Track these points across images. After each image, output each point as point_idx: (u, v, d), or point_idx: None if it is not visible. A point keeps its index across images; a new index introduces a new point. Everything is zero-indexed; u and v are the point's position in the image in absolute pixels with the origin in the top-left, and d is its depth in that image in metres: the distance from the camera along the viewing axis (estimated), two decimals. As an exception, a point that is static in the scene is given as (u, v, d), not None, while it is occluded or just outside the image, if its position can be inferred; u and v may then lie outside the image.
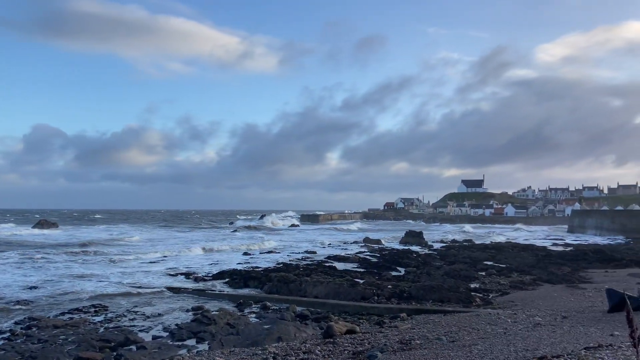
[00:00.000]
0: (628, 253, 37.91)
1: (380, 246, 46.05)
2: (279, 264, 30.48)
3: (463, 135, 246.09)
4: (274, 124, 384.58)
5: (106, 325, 14.87)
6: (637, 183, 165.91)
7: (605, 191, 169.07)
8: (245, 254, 37.27)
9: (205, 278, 24.91)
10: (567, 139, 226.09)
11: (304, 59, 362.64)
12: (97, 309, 17.04)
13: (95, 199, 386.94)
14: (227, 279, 23.98)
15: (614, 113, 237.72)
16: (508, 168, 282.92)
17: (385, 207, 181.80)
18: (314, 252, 39.13)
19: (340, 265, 29.70)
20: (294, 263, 30.90)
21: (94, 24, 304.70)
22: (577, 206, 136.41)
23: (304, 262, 31.49)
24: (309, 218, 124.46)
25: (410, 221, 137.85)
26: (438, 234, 68.21)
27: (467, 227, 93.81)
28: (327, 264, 30.04)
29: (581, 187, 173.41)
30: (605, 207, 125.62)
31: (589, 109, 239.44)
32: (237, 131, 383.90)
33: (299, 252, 39.36)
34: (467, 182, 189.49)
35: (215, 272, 26.24)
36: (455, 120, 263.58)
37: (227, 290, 21.65)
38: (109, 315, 16.31)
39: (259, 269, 27.00)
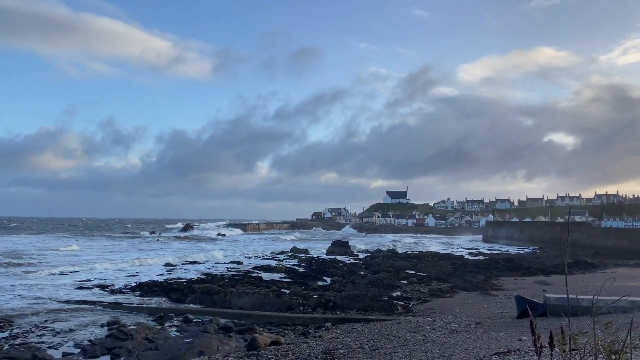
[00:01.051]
0: (535, 262, 40.88)
1: (307, 256, 46.25)
2: (203, 274, 29.65)
3: (390, 148, 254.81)
4: (204, 131, 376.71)
5: (11, 342, 13.69)
6: (543, 196, 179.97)
7: (516, 204, 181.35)
8: (167, 264, 35.88)
9: (123, 290, 23.70)
10: (484, 154, 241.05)
11: (239, 66, 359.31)
12: (1, 324, 15.65)
13: (3, 205, 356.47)
14: (146, 291, 22.96)
15: (526, 131, 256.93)
16: (430, 180, 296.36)
17: (313, 217, 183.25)
18: (240, 263, 38.50)
19: (266, 276, 29.45)
20: (218, 274, 30.21)
21: (9, 19, 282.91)
22: (490, 217, 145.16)
23: (230, 273, 30.88)
24: (235, 227, 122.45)
25: (351, 230, 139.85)
26: (364, 244, 69.69)
27: (392, 236, 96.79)
28: (253, 275, 29.67)
29: (494, 200, 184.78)
30: (515, 219, 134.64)
31: (504, 127, 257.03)
32: (164, 137, 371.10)
33: (225, 263, 38.56)
34: (391, 193, 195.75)
35: (133, 284, 25.04)
36: (383, 133, 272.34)
37: (147, 303, 20.72)
38: (15, 331, 15.04)
39: (182, 281, 26.12)
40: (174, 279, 27.35)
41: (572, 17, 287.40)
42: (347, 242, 53.23)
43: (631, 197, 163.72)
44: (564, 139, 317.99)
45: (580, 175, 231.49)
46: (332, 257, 44.62)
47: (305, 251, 50.24)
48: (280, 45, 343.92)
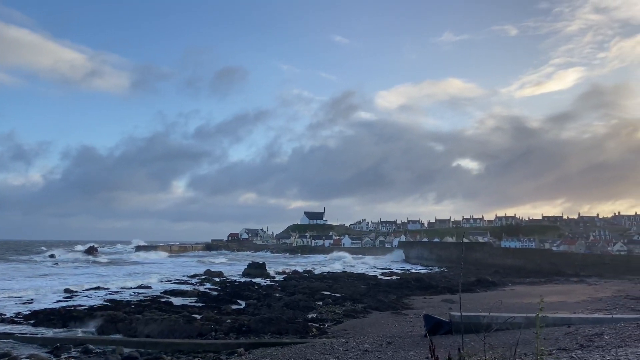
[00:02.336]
0: (442, 281, 42.90)
1: (222, 279, 44.97)
2: (106, 301, 27.73)
3: (311, 169, 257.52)
4: (117, 147, 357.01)
5: None
6: (450, 218, 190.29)
7: (426, 225, 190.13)
8: (67, 290, 33.06)
9: (15, 320, 21.50)
10: (399, 177, 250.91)
11: (160, 83, 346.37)
12: None
13: None
14: (41, 320, 20.96)
15: (437, 156, 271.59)
16: (348, 201, 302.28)
17: (229, 238, 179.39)
18: (149, 287, 36.53)
19: (177, 300, 28.18)
20: (124, 299, 28.43)
21: None
22: (403, 238, 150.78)
23: (137, 298, 29.18)
24: (145, 249, 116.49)
25: (268, 253, 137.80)
26: (281, 265, 69.20)
27: (306, 258, 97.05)
28: (162, 300, 28.27)
29: (407, 221, 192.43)
30: (425, 239, 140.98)
31: (418, 152, 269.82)
32: (70, 153, 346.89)
33: (131, 288, 36.34)
34: (309, 214, 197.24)
35: (27, 312, 22.80)
36: (304, 154, 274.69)
37: (42, 332, 18.93)
38: None
39: (82, 307, 24.24)
40: (73, 306, 25.31)
41: (478, 52, 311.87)
42: (264, 264, 52.56)
43: (527, 219, 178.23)
44: (470, 164, 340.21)
45: (483, 198, 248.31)
46: (248, 279, 43.78)
47: (220, 274, 48.86)
48: (204, 63, 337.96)
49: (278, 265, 66.53)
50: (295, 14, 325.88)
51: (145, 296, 30.46)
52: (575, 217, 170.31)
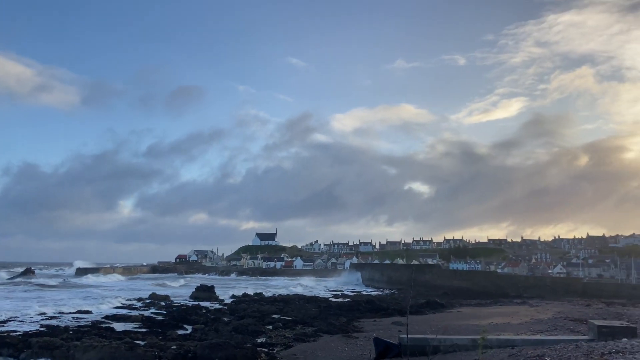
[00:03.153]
0: (393, 303, 43.24)
1: (167, 302, 43.43)
2: (43, 327, 26.13)
3: (264, 190, 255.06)
4: (63, 165, 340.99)
5: None
6: (401, 240, 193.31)
7: (377, 246, 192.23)
8: (-2, 315, 30.95)
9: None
10: (352, 199, 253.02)
11: (112, 99, 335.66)
12: None
13: None
14: (-32, 350, 19.43)
15: (389, 180, 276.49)
16: (301, 222, 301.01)
17: (177, 260, 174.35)
18: (89, 312, 34.76)
19: (119, 326, 26.91)
20: (62, 325, 26.88)
21: None
22: (354, 260, 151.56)
23: (76, 324, 27.66)
24: (87, 272, 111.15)
25: (217, 275, 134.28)
26: (231, 288, 67.75)
27: (257, 280, 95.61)
28: (103, 325, 26.93)
29: (359, 242, 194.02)
30: (376, 261, 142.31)
31: (371, 175, 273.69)
32: (11, 170, 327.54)
33: (70, 312, 34.41)
34: (261, 235, 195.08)
35: (-49, 341, 21.07)
36: (258, 175, 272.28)
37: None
38: None
39: (16, 334, 22.69)
40: (6, 331, 23.65)
41: (429, 79, 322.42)
42: (212, 287, 51.24)
43: (474, 241, 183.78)
44: (421, 188, 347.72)
45: (433, 220, 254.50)
46: (196, 303, 42.47)
47: (166, 297, 47.17)
48: (159, 81, 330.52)
49: (228, 288, 65.08)
50: (252, 36, 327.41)
51: (85, 321, 28.92)
52: (519, 240, 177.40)
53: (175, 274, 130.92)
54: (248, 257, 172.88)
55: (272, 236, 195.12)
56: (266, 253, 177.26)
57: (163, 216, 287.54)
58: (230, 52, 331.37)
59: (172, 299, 46.74)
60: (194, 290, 51.05)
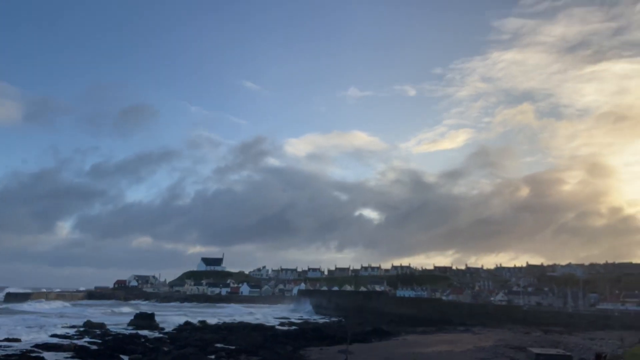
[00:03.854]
0: (339, 330, 42.89)
1: (104, 331, 41.13)
2: (-39, 358, 23.99)
3: (213, 213, 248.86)
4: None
5: None
6: (350, 266, 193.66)
7: (326, 273, 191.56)
8: None
9: None
10: (303, 224, 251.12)
11: (58, 117, 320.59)
12: None
13: None
14: None
15: (341, 205, 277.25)
16: (249, 247, 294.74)
17: (116, 285, 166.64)
18: (18, 340, 32.33)
19: (50, 356, 25.19)
20: (-16, 356, 24.79)
21: None
22: (302, 286, 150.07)
23: (2, 353, 25.61)
24: (17, 297, 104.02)
25: (157, 302, 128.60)
26: (173, 315, 65.19)
27: (201, 307, 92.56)
28: (33, 354, 25.13)
29: (307, 268, 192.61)
30: (325, 288, 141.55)
31: (323, 200, 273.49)
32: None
33: (-5, 341, 31.86)
34: (207, 260, 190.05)
35: None
36: (208, 198, 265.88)
37: None
38: None
39: None
40: None
41: (381, 108, 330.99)
42: (152, 315, 49.07)
43: (421, 269, 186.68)
44: (372, 214, 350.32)
45: (382, 247, 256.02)
46: (134, 331, 40.46)
47: (102, 325, 44.69)
48: (109, 99, 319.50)
49: (169, 316, 62.58)
50: (206, 56, 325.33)
51: (13, 350, 26.83)
52: (464, 267, 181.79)
53: (114, 301, 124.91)
54: (192, 283, 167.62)
55: (218, 261, 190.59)
56: (211, 279, 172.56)
57: (103, 239, 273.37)
58: (184, 72, 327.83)
59: (108, 326, 44.34)
60: (132, 317, 48.69)
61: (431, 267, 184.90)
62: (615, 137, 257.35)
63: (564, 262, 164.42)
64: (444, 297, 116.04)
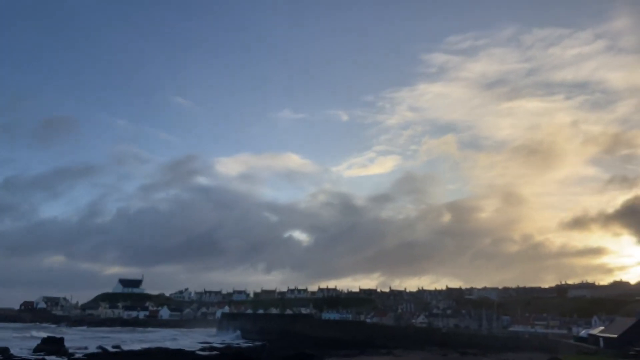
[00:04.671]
0: (262, 355, 42.05)
1: (7, 356, 37.56)
2: None
3: (135, 232, 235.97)
4: None
5: None
6: (276, 289, 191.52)
7: (252, 295, 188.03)
8: None
9: None
10: (231, 246, 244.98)
11: None
12: None
13: None
14: None
15: (270, 227, 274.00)
16: (172, 269, 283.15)
17: (22, 307, 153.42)
18: None
19: None
20: None
21: None
22: (226, 309, 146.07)
23: None
24: None
25: (94, 327, 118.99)
26: (84, 340, 60.87)
27: (116, 332, 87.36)
28: None
29: (232, 291, 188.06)
30: (250, 311, 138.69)
31: (252, 221, 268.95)
32: None
33: None
34: (124, 282, 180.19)
35: None
36: (130, 216, 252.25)
37: None
38: None
39: None
40: None
41: (314, 132, 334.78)
42: (62, 339, 45.62)
43: (346, 291, 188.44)
44: (301, 236, 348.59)
45: (310, 269, 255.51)
46: (41, 357, 37.31)
47: (5, 350, 40.85)
48: (28, 110, 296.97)
49: (80, 340, 58.42)
50: (135, 69, 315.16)
51: None
52: (388, 290, 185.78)
53: (19, 324, 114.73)
54: (107, 306, 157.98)
55: (137, 283, 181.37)
56: (129, 301, 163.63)
57: (9, 257, 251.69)
58: (110, 83, 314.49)
59: (11, 352, 40.59)
60: (39, 342, 44.96)
61: (357, 290, 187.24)
62: (527, 169, 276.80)
63: (480, 286, 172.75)
64: (368, 320, 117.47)
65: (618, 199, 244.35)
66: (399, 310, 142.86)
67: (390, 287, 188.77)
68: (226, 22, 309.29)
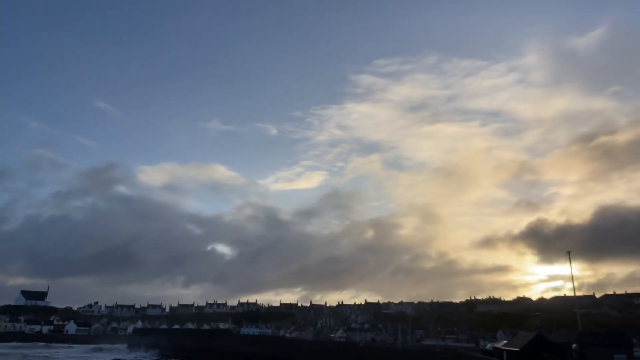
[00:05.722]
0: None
1: None
2: None
3: (44, 242, 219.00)
4: None
5: None
6: (194, 303, 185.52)
7: (168, 309, 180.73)
8: None
9: None
10: (149, 258, 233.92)
11: None
12: None
13: None
14: None
15: (193, 239, 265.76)
16: (82, 281, 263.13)
17: None
18: None
19: None
20: None
21: None
22: (139, 324, 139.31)
23: None
24: None
25: None
26: None
27: (15, 349, 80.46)
28: None
29: (147, 305, 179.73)
30: (165, 326, 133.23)
31: (174, 233, 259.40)
32: None
33: None
34: (27, 294, 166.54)
35: None
36: (40, 224, 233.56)
37: None
38: None
39: None
40: None
41: (242, 144, 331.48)
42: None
43: (267, 305, 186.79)
44: (224, 249, 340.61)
45: (232, 283, 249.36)
46: None
47: None
48: None
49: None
50: (53, 68, 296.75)
51: None
52: (308, 305, 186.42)
53: None
54: (7, 319, 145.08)
55: (41, 295, 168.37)
56: (32, 315, 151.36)
57: None
58: (25, 83, 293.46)
59: None
60: None
61: (278, 304, 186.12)
62: (445, 190, 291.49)
63: (397, 300, 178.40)
64: (287, 335, 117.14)
65: (523, 221, 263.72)
66: (319, 325, 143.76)
67: (311, 302, 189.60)
68: (156, 27, 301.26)
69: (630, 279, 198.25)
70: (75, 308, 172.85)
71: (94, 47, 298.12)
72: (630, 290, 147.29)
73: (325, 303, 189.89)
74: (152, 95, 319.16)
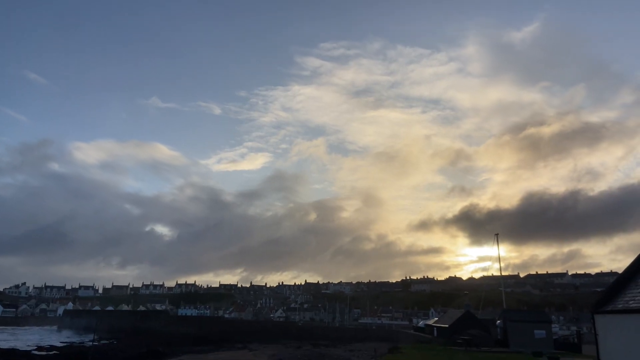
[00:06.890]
0: (110, 355, 39.56)
1: None
2: None
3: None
4: None
5: None
6: (129, 284, 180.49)
7: (101, 291, 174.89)
8: None
9: None
10: (83, 238, 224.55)
11: None
12: None
13: None
14: None
15: (132, 220, 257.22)
16: (9, 261, 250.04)
17: None
18: None
19: None
20: None
21: None
22: (70, 306, 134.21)
23: None
24: None
25: None
26: None
27: None
28: None
29: (78, 286, 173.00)
30: (97, 307, 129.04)
31: (111, 213, 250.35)
32: None
33: None
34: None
35: None
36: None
37: None
38: None
39: None
40: None
41: (184, 122, 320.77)
42: None
43: (206, 287, 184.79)
44: (164, 230, 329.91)
45: (170, 264, 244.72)
46: None
47: None
48: None
49: None
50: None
51: None
52: (248, 285, 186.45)
53: None
54: None
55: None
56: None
57: None
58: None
59: None
60: None
61: (217, 285, 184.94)
62: (386, 174, 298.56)
63: (336, 281, 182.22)
64: (226, 315, 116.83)
65: (457, 205, 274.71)
66: (259, 305, 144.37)
67: (251, 283, 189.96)
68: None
69: (552, 260, 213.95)
70: (1, 289, 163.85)
71: (22, 12, 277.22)
72: (551, 271, 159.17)
73: (266, 284, 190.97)
74: (88, 69, 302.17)
